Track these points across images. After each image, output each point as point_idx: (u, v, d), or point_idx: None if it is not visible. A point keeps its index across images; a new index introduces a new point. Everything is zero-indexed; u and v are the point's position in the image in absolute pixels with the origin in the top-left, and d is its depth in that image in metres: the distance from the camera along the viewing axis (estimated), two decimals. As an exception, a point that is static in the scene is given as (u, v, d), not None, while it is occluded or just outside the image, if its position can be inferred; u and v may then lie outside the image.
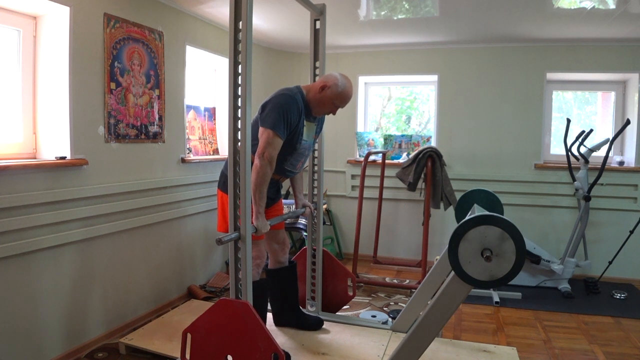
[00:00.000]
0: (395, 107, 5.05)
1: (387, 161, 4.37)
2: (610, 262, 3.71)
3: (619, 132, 3.63)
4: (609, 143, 3.63)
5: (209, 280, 3.77)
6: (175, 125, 3.31)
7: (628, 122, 3.63)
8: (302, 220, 3.77)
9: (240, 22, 1.82)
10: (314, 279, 2.87)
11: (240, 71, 1.84)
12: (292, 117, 2.18)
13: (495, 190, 2.91)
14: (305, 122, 2.30)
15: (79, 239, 2.52)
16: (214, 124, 4.03)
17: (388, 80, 4.82)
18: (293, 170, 2.42)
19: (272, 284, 2.65)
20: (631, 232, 3.67)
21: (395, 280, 4.04)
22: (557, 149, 4.30)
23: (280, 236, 2.64)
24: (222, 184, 2.35)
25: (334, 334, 2.66)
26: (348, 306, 3.30)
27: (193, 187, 3.49)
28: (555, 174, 4.15)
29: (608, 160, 3.79)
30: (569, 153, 3.78)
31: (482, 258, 1.67)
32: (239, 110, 1.85)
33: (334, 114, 2.40)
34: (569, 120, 3.74)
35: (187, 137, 3.52)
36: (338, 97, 2.30)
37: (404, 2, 3.17)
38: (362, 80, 4.72)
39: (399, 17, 3.49)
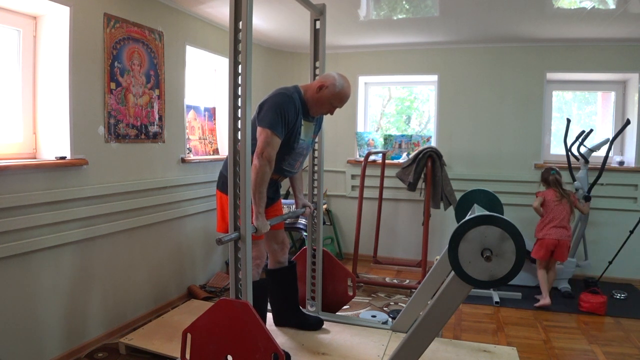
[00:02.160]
0: (395, 107, 5.05)
1: (387, 161, 4.37)
2: (610, 262, 3.71)
3: (619, 132, 3.64)
4: (609, 143, 3.63)
5: (209, 280, 3.77)
6: (175, 125, 3.31)
7: (628, 122, 3.63)
8: (302, 220, 3.77)
9: (240, 22, 1.82)
10: (314, 279, 2.87)
11: (240, 71, 1.84)
12: (289, 116, 2.18)
13: (495, 190, 2.91)
14: (303, 121, 2.29)
15: (79, 239, 2.52)
16: (214, 124, 4.03)
17: (388, 80, 4.82)
18: (291, 170, 2.42)
19: (272, 284, 2.65)
20: (631, 232, 3.67)
21: (395, 280, 4.04)
22: (557, 149, 4.30)
23: (279, 236, 2.63)
24: (221, 185, 2.35)
25: (334, 334, 2.66)
26: (348, 306, 3.30)
27: (193, 187, 3.49)
28: (555, 174, 4.15)
29: (608, 160, 3.79)
30: (569, 153, 3.79)
31: (482, 258, 1.67)
32: (239, 110, 1.85)
33: (332, 113, 2.39)
34: (569, 120, 3.74)
35: (187, 137, 3.52)
36: (336, 97, 2.29)
37: (404, 2, 3.17)
38: (362, 80, 4.72)
39: (399, 17, 3.49)
